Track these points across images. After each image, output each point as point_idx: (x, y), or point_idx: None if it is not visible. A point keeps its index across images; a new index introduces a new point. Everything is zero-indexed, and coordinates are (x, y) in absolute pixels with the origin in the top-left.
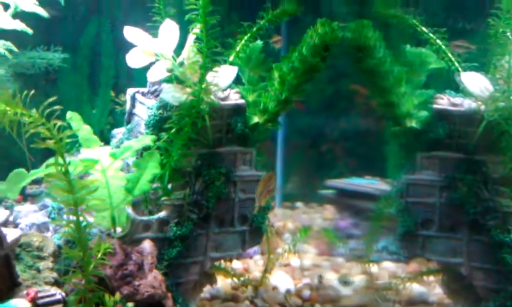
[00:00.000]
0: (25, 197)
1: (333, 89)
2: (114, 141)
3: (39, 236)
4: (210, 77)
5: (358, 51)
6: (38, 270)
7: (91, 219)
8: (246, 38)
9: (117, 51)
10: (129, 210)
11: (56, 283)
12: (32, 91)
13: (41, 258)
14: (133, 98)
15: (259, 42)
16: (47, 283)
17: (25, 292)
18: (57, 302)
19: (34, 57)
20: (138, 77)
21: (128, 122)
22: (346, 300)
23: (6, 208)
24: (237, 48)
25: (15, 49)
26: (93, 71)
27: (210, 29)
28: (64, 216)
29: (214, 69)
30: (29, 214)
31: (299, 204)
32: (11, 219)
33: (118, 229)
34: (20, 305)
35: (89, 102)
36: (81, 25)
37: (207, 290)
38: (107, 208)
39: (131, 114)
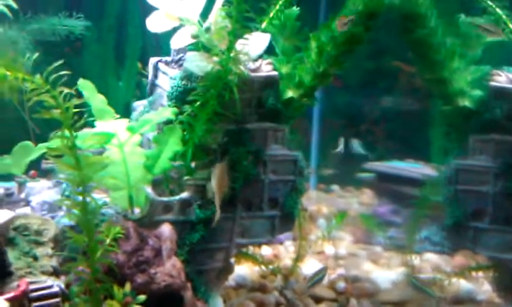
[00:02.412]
0: (40, 172)
1: (374, 66)
2: (135, 114)
3: (38, 219)
4: (239, 45)
5: (406, 20)
6: (35, 258)
7: (107, 199)
8: (280, 2)
9: (144, 21)
10: (148, 189)
11: (55, 273)
12: (57, 62)
13: (40, 244)
14: (156, 68)
15: (295, 8)
16: (44, 273)
17: (16, 284)
18: (54, 295)
19: (55, 23)
20: (167, 47)
21: (151, 94)
22: (385, 295)
23: (19, 184)
24: (271, 14)
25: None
26: (119, 41)
27: None
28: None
29: (245, 36)
30: (43, 191)
31: (334, 187)
32: (22, 196)
33: (136, 210)
34: None
35: (115, 73)
36: None
37: (232, 278)
38: (124, 187)
39: (153, 85)
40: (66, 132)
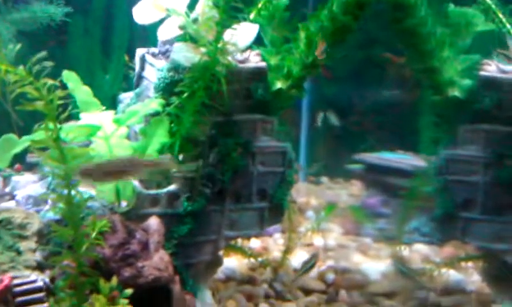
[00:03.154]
0: (25, 166)
1: (363, 57)
2: (121, 106)
3: (22, 213)
4: (227, 35)
5: (395, 10)
6: (19, 252)
7: (93, 192)
8: None
9: (131, 12)
10: (135, 182)
11: (39, 267)
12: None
13: (24, 238)
14: (142, 60)
15: None
16: (27, 267)
17: None
18: (38, 289)
19: (36, 11)
20: (154, 39)
21: (137, 85)
22: (375, 287)
23: (4, 178)
24: (259, 5)
25: None
26: (106, 34)
27: None
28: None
29: (232, 27)
30: (28, 185)
31: (324, 179)
32: (7, 190)
33: (123, 204)
34: None
35: (101, 66)
36: None
37: (221, 271)
38: None
39: (140, 77)
40: (51, 124)
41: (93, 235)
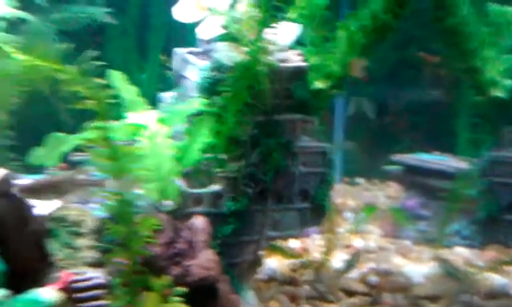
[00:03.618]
0: (69, 165)
1: (398, 57)
2: (162, 106)
3: (77, 210)
4: (268, 35)
5: (437, 9)
6: (76, 249)
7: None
8: None
9: (168, 12)
10: (179, 181)
11: (97, 264)
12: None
13: (80, 235)
14: (183, 59)
15: None
16: (85, 264)
17: (58, 275)
18: (97, 286)
19: (77, 11)
20: (192, 39)
21: (178, 85)
22: (418, 289)
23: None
24: (299, 4)
25: None
26: (143, 33)
27: None
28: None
29: (273, 26)
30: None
31: (359, 180)
32: None
33: (167, 203)
34: (46, 295)
35: (137, 65)
36: None
37: (262, 271)
38: (155, 178)
39: (181, 77)
40: (102, 123)
41: (145, 233)
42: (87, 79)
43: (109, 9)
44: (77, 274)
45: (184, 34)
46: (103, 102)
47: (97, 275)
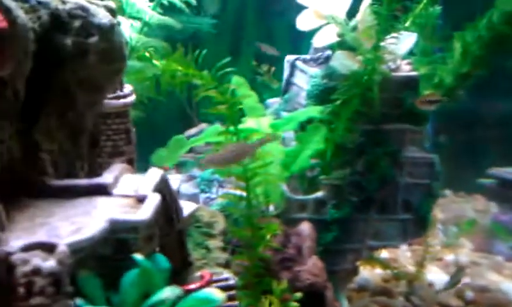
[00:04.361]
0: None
1: (496, 65)
2: (269, 111)
3: (208, 212)
4: (387, 44)
5: None
6: (208, 249)
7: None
8: (425, 1)
9: (260, 20)
10: (284, 187)
11: (227, 265)
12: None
13: (211, 236)
14: (292, 66)
15: (438, 7)
16: (218, 265)
17: (198, 274)
18: (231, 287)
19: (184, 21)
20: (281, 47)
21: (286, 91)
22: None
23: None
24: (415, 13)
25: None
26: (236, 39)
27: None
28: (222, 190)
29: (393, 35)
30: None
31: (447, 191)
32: None
33: (271, 207)
34: (216, 294)
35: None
36: None
37: (354, 280)
38: (263, 183)
39: (289, 83)
40: (232, 127)
41: (268, 237)
42: (219, 85)
43: (214, 20)
44: (214, 273)
45: (274, 41)
46: (233, 107)
47: (230, 276)
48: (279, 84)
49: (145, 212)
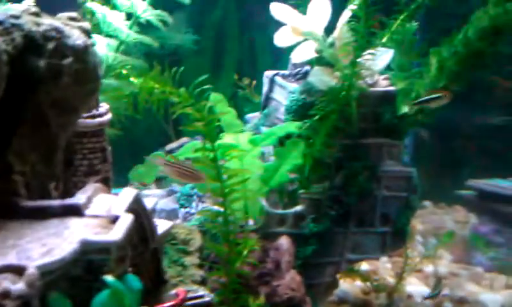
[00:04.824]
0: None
1: (472, 79)
2: (248, 126)
3: (185, 229)
4: (364, 60)
5: None
6: (184, 267)
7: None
8: (402, 17)
9: (241, 34)
10: (263, 201)
11: (203, 282)
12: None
13: (187, 253)
14: (272, 81)
15: (414, 23)
16: (194, 282)
17: (173, 292)
18: (207, 304)
19: (164, 37)
20: (262, 60)
21: (265, 106)
22: None
23: None
24: (391, 29)
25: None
26: (217, 53)
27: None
28: (202, 205)
29: (370, 51)
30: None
31: (426, 203)
32: None
33: (250, 222)
34: None
35: (210, 84)
36: (208, 5)
37: (334, 293)
38: (241, 198)
39: (268, 98)
40: (209, 144)
41: (245, 253)
42: (196, 102)
43: (196, 36)
44: (189, 291)
45: (255, 56)
46: (211, 124)
47: (206, 294)
48: (260, 98)
49: (117, 233)
